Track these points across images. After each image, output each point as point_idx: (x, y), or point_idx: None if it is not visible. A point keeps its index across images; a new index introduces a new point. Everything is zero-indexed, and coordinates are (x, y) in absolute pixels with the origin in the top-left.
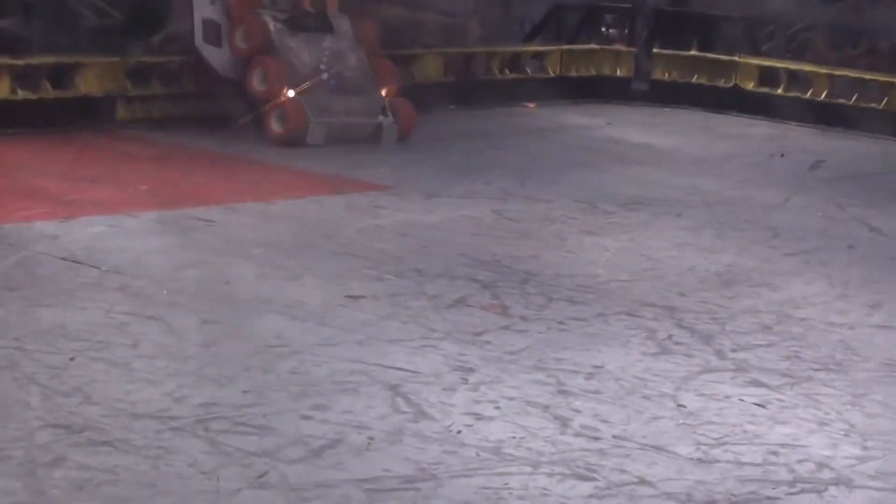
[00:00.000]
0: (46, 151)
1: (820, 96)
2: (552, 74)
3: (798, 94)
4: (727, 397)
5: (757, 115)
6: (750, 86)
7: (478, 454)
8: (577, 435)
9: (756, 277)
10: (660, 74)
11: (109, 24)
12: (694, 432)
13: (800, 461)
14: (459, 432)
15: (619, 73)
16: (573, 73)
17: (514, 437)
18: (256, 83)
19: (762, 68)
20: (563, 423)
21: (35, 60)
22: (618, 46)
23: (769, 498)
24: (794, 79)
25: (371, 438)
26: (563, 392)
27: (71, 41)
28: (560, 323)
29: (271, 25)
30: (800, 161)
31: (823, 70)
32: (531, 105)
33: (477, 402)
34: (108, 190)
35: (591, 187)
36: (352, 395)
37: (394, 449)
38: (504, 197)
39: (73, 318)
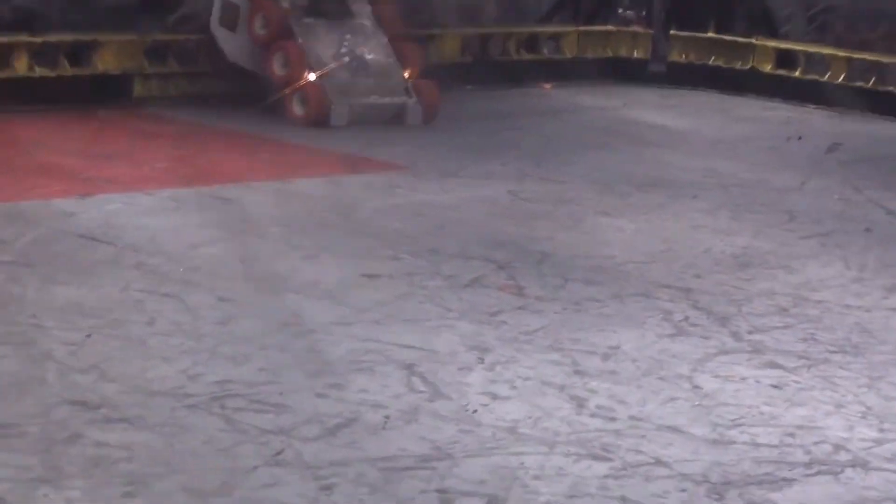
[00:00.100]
0: (63, 129)
1: (838, 79)
2: (568, 56)
3: (816, 77)
4: (743, 379)
5: (774, 98)
6: (767, 68)
7: (494, 434)
8: (593, 415)
9: (772, 260)
10: (677, 56)
11: (126, 3)
12: (710, 413)
13: (816, 443)
14: (475, 412)
15: (635, 54)
16: (590, 55)
17: (529, 417)
18: (277, 68)
19: (779, 51)
20: (579, 403)
21: (53, 38)
22: (635, 28)
23: (785, 479)
24: (812, 61)
25: (387, 417)
26: (578, 372)
27: (88, 19)
28: (576, 304)
29: (290, 11)
30: (817, 144)
31: (841, 53)
32: (547, 86)
33: (493, 381)
34: (125, 167)
35: (606, 168)
36: (367, 374)
37: (409, 428)
38: (520, 177)
39: (90, 296)
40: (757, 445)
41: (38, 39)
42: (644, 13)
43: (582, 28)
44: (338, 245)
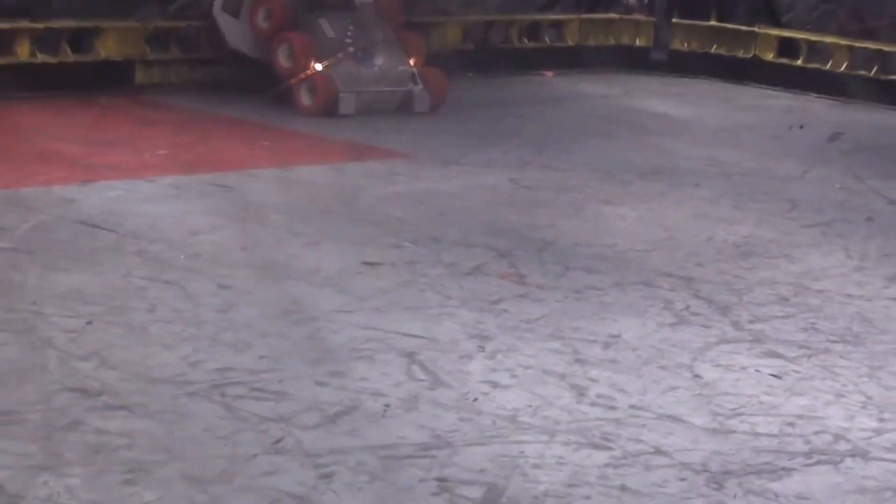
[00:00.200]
0: (65, 115)
1: (840, 68)
2: (570, 43)
3: (818, 66)
4: (744, 368)
5: (776, 87)
6: (769, 57)
7: (494, 422)
8: (594, 404)
9: (774, 249)
10: (679, 44)
11: None
12: (710, 403)
13: (816, 433)
14: (475, 400)
15: (637, 42)
16: (592, 43)
17: (530, 406)
18: (283, 59)
19: (782, 39)
20: (580, 392)
21: (55, 24)
22: (637, 16)
23: (785, 469)
24: (814, 50)
25: (387, 405)
26: (579, 361)
27: (90, 5)
28: (577, 292)
29: (293, 4)
30: (819, 133)
31: (844, 42)
32: (549, 74)
33: (493, 370)
34: (126, 154)
35: (608, 157)
36: (368, 362)
37: (409, 416)
38: (521, 165)
39: (90, 283)
40: (757, 435)
41: (40, 25)
42: (646, 1)
43: (584, 16)
44: (339, 233)
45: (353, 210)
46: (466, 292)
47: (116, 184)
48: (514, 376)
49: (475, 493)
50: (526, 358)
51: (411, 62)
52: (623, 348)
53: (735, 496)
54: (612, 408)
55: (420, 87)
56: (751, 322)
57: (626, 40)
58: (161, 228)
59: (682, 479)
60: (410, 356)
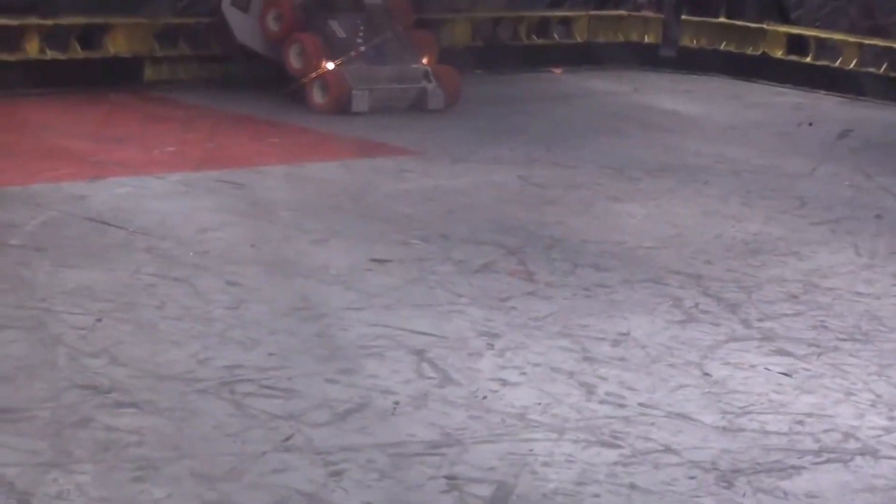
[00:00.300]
0: (74, 111)
1: (850, 65)
2: (579, 40)
3: (827, 63)
4: (753, 366)
5: (785, 84)
6: (778, 54)
7: (503, 420)
8: (603, 402)
9: (783, 246)
10: (688, 41)
11: None
12: (719, 401)
13: (826, 431)
14: (485, 398)
15: (646, 39)
16: (601, 39)
17: (539, 404)
18: (294, 60)
19: (791, 36)
20: (589, 389)
21: (64, 21)
22: (646, 13)
23: (794, 467)
24: (823, 47)
25: (396, 403)
26: (588, 359)
27: (100, 2)
28: (585, 289)
29: (304, 5)
30: (828, 130)
31: (853, 39)
32: (558, 70)
33: (502, 367)
34: (135, 151)
35: (617, 154)
36: (377, 359)
37: (419, 414)
38: (530, 162)
39: (100, 279)
40: (766, 433)
41: (50, 22)
42: None
43: (593, 12)
44: (348, 229)
45: (363, 207)
46: (476, 289)
47: (125, 180)
48: (524, 374)
49: (484, 491)
50: (535, 355)
51: (424, 60)
52: (632, 346)
53: (745, 495)
54: (622, 406)
55: (434, 84)
56: (760, 320)
57: (635, 37)
58: (170, 225)
59: (692, 478)
60: (420, 353)
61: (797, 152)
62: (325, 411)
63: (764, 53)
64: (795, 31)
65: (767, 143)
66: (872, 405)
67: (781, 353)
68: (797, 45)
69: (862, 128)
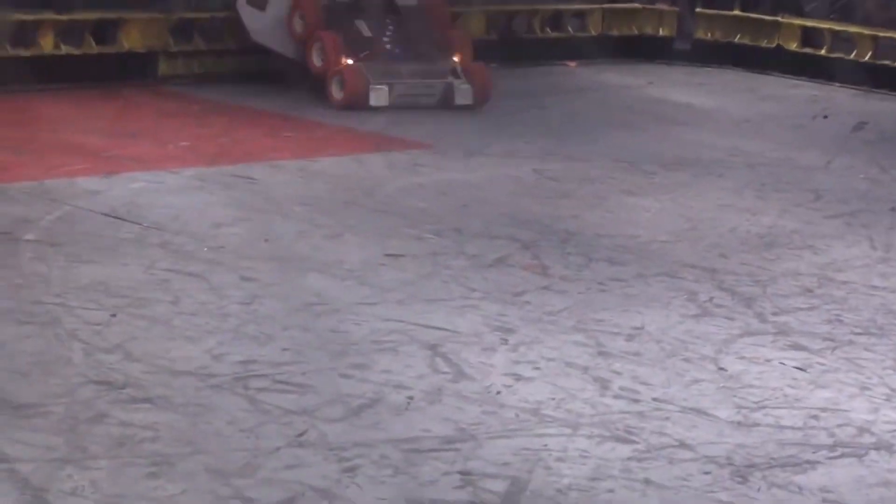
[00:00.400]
0: (89, 107)
1: (864, 57)
2: (594, 33)
3: (842, 55)
4: (768, 361)
5: (800, 77)
6: (793, 46)
7: (517, 415)
8: (617, 397)
9: (798, 240)
10: (702, 34)
11: None
12: (734, 396)
13: (840, 425)
14: (499, 393)
15: (661, 32)
16: (615, 32)
17: (553, 399)
18: (315, 58)
19: (805, 29)
20: (603, 384)
21: (79, 16)
22: (660, 6)
23: (809, 462)
24: (838, 40)
25: (410, 398)
26: (602, 353)
27: None
28: (600, 283)
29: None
30: (842, 123)
31: (868, 31)
32: (572, 64)
33: (516, 362)
34: (150, 146)
35: (631, 147)
36: (391, 354)
37: (433, 409)
38: (544, 156)
39: (115, 275)
40: (781, 428)
41: (64, 17)
42: None
43: (607, 5)
44: (361, 224)
45: (376, 201)
46: (489, 284)
47: (140, 175)
48: (537, 369)
49: (498, 486)
50: (549, 350)
51: (456, 59)
52: (646, 340)
53: (759, 489)
54: (636, 401)
55: (461, 80)
56: (775, 314)
57: (649, 30)
58: (184, 220)
59: (707, 473)
60: (433, 348)
61: (812, 145)
62: (339, 407)
63: (778, 46)
64: (810, 23)
65: (782, 136)
66: (887, 399)
67: (796, 347)
68: (812, 37)
69: (877, 120)
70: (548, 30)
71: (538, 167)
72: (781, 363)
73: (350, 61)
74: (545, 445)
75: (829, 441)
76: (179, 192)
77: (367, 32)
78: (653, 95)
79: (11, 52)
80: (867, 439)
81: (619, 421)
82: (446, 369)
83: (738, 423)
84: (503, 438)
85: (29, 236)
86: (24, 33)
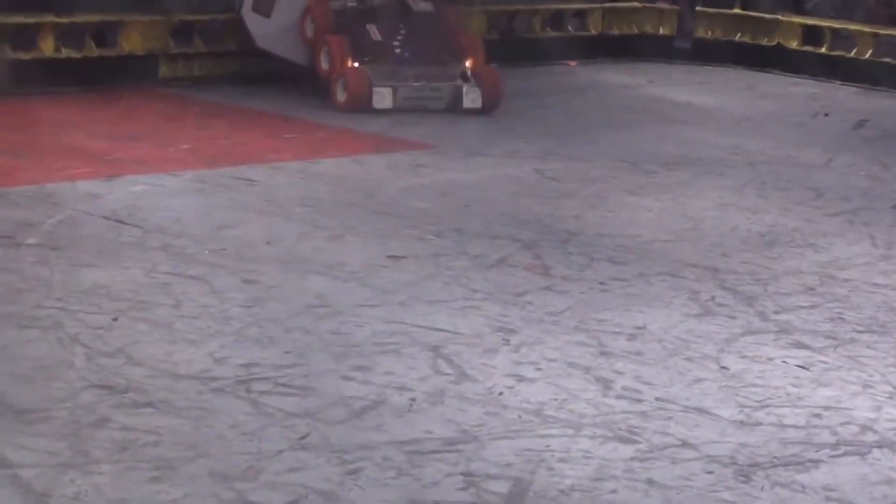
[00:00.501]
0: (89, 110)
1: (865, 55)
2: (594, 32)
3: (842, 53)
4: (770, 359)
5: (800, 74)
6: (793, 44)
7: (519, 416)
8: (619, 397)
9: (799, 238)
10: (702, 33)
11: None
12: (737, 395)
13: (843, 424)
14: (501, 394)
15: (661, 31)
16: (615, 32)
17: (555, 399)
18: (323, 62)
19: (806, 26)
20: (605, 384)
21: (79, 19)
22: (660, 4)
23: (812, 461)
24: (839, 38)
25: (412, 400)
26: (604, 353)
27: None
28: (601, 283)
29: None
30: (843, 121)
31: (868, 29)
32: (572, 63)
33: (518, 363)
34: (150, 149)
35: (632, 147)
36: (393, 356)
37: (435, 410)
38: (545, 156)
39: (116, 278)
40: (784, 427)
41: (65, 20)
42: None
43: (607, 4)
44: (363, 225)
45: (377, 202)
46: (491, 285)
47: (141, 178)
48: (540, 369)
49: (501, 487)
50: (551, 351)
51: (467, 63)
52: (649, 340)
53: (762, 489)
54: (638, 400)
55: (470, 84)
56: (777, 312)
57: (649, 29)
58: (186, 223)
59: (710, 472)
60: (436, 350)
61: (813, 143)
62: (341, 409)
63: (779, 44)
64: (810, 21)
65: (783, 134)
66: (890, 397)
67: (798, 345)
68: (812, 35)
69: (878, 118)
70: (548, 29)
71: (539, 167)
72: (784, 362)
73: (355, 64)
74: (548, 446)
75: (832, 439)
76: (180, 195)
77: (376, 36)
78: (653, 94)
79: (11, 55)
80: (870, 437)
81: (621, 421)
82: (448, 371)
83: (741, 422)
84: (506, 439)
85: (30, 240)
86: (24, 36)
